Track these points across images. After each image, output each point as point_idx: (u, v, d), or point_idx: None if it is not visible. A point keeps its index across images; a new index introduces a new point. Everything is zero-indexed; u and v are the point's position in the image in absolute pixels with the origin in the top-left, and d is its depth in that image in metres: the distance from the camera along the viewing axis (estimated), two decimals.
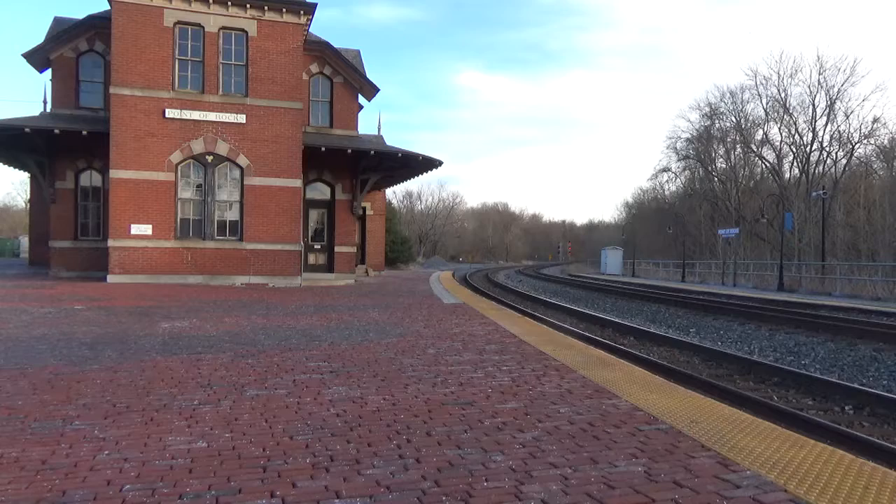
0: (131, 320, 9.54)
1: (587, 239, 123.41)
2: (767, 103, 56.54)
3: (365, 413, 4.39)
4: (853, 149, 51.74)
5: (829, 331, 13.47)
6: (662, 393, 5.17)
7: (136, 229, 18.10)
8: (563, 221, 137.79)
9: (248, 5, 18.91)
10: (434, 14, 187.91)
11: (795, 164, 55.57)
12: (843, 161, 52.19)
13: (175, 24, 18.53)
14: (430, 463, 3.36)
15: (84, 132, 18.21)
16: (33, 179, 23.32)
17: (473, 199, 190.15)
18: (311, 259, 22.94)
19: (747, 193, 58.12)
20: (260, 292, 16.20)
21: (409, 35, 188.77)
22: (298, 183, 19.91)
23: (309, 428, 3.99)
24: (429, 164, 22.42)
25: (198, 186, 19.08)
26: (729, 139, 61.67)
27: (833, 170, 52.27)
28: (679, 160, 67.46)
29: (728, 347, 11.77)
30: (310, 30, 20.79)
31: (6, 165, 23.79)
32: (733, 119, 60.42)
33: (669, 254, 57.20)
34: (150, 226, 18.27)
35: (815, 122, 53.35)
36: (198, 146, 18.78)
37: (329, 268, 23.07)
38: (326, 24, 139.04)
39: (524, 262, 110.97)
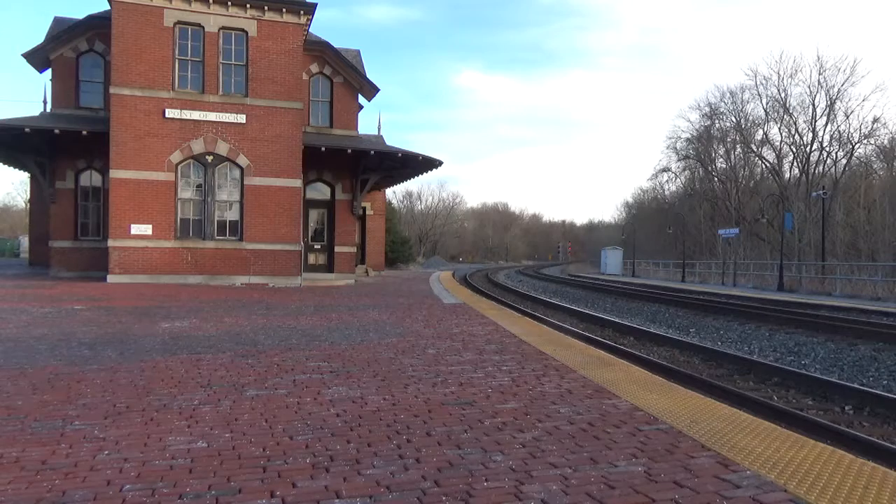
0: (131, 320, 9.54)
1: (587, 239, 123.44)
2: (767, 103, 56.61)
3: (365, 413, 4.39)
4: (853, 149, 51.79)
5: (829, 331, 13.48)
6: (662, 393, 5.17)
7: (136, 229, 18.10)
8: (563, 221, 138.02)
9: (248, 5, 18.91)
10: (434, 14, 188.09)
11: (795, 164, 55.61)
12: (843, 161, 52.24)
13: (175, 23, 18.53)
14: (430, 463, 3.36)
15: (84, 132, 18.22)
16: (33, 179, 23.34)
17: (473, 199, 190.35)
18: (311, 259, 22.95)
19: (747, 193, 58.12)
20: (260, 292, 16.20)
21: (408, 35, 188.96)
22: (298, 183, 19.91)
23: (309, 428, 3.99)
24: (429, 164, 22.42)
25: (198, 186, 19.08)
26: (729, 139, 61.71)
27: (833, 170, 52.28)
28: (679, 160, 67.55)
29: (728, 347, 11.77)
30: (310, 30, 20.79)
31: (6, 165, 23.79)
32: (733, 119, 60.50)
33: (669, 254, 57.17)
34: (150, 226, 18.27)
35: (815, 122, 53.42)
36: (198, 146, 18.78)
37: (329, 268, 23.07)
38: (326, 24, 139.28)
39: (524, 262, 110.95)
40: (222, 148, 18.99)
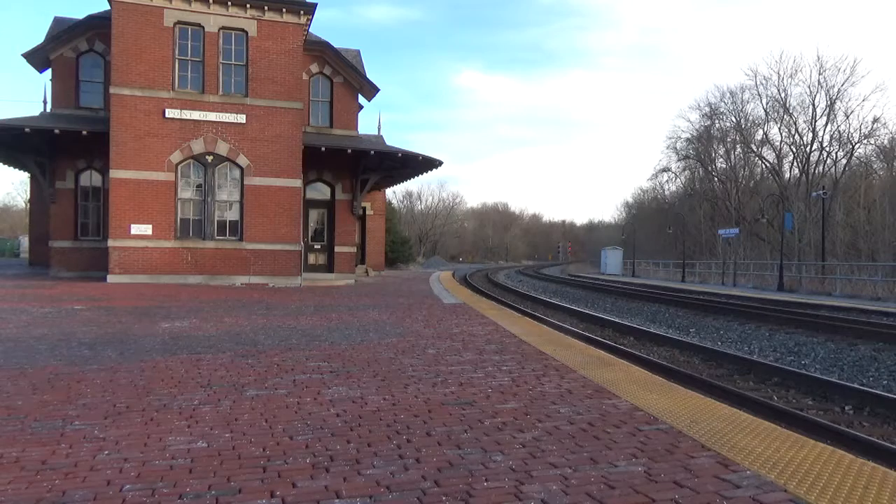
0: (131, 320, 9.54)
1: (587, 239, 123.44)
2: (767, 103, 56.61)
3: (365, 413, 4.39)
4: (853, 149, 51.79)
5: (829, 331, 13.48)
6: (662, 393, 5.17)
7: (136, 229, 18.10)
8: (563, 221, 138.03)
9: (248, 5, 18.91)
10: (434, 14, 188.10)
11: (795, 164, 55.61)
12: (843, 161, 52.24)
13: (175, 23, 18.53)
14: (430, 463, 3.36)
15: (84, 132, 18.22)
16: (33, 179, 23.33)
17: (473, 199, 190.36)
18: (311, 259, 22.95)
19: (747, 193, 58.12)
20: (260, 292, 16.20)
21: (408, 35, 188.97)
22: (298, 183, 19.91)
23: (309, 428, 3.99)
24: (429, 163, 22.42)
25: (198, 186, 19.08)
26: (729, 139, 61.71)
27: (833, 170, 52.28)
28: (679, 160, 67.54)
29: (728, 347, 11.77)
30: (310, 30, 20.79)
31: (6, 165, 23.79)
32: (733, 119, 60.50)
33: (669, 254, 57.17)
34: (150, 226, 18.27)
35: (815, 122, 53.42)
36: (198, 146, 18.78)
37: (329, 268, 23.08)
38: (326, 24, 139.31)
39: (524, 262, 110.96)
40: (222, 148, 18.99)
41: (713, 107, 61.68)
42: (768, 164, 58.30)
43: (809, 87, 54.70)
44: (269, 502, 2.81)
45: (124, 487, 2.94)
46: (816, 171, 52.77)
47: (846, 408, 7.16)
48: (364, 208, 28.06)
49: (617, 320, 15.43)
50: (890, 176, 48.58)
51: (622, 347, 10.98)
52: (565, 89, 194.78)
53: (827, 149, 53.11)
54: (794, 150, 55.28)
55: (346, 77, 23.15)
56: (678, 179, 70.09)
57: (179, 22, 18.58)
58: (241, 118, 19.10)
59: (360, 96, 23.89)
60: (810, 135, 53.69)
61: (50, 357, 6.35)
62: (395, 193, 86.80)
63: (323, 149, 20.24)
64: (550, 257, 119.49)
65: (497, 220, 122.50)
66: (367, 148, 20.98)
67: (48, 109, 20.82)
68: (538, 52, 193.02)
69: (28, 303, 11.83)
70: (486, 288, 28.54)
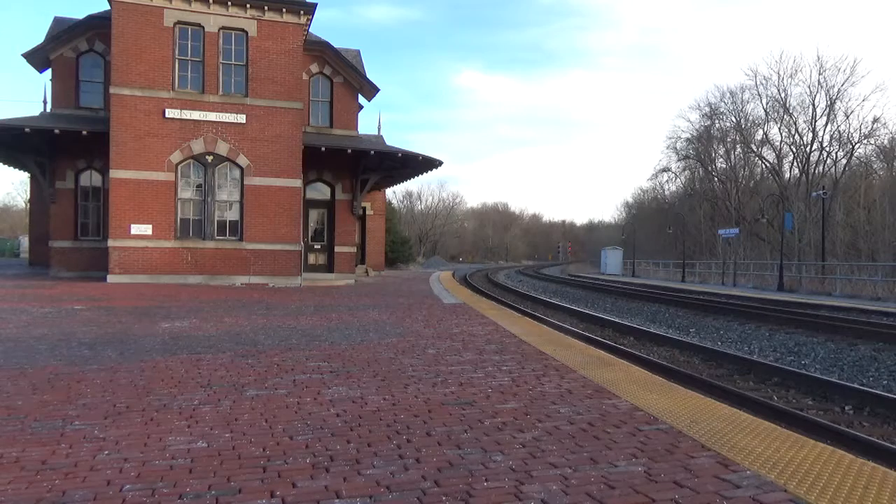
0: (131, 320, 9.54)
1: (587, 239, 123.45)
2: (767, 103, 56.61)
3: (365, 413, 4.39)
4: (853, 149, 51.79)
5: (829, 331, 13.48)
6: (662, 393, 5.17)
7: (136, 229, 18.10)
8: (563, 221, 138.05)
9: (248, 5, 18.91)
10: (434, 14, 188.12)
11: (795, 164, 55.62)
12: (843, 161, 52.24)
13: (175, 23, 18.53)
14: (430, 463, 3.36)
15: (84, 132, 18.22)
16: (33, 179, 23.33)
17: (473, 199, 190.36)
18: (311, 259, 22.95)
19: (747, 193, 58.12)
20: (260, 292, 16.20)
21: (408, 35, 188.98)
22: (298, 183, 19.91)
23: (309, 428, 3.99)
24: (429, 163, 22.42)
25: (198, 186, 19.08)
26: (729, 139, 61.71)
27: (833, 170, 52.28)
28: (679, 160, 67.55)
29: (728, 347, 11.77)
30: (310, 30, 20.79)
31: (6, 165, 23.79)
32: (733, 119, 60.50)
33: (669, 254, 57.17)
34: (150, 226, 18.27)
35: (815, 122, 53.43)
36: (198, 146, 18.78)
37: (329, 268, 23.07)
38: (326, 24, 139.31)
39: (524, 262, 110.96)
40: (222, 148, 18.99)
41: (713, 107, 61.79)
42: (768, 164, 58.33)
43: (809, 87, 54.80)
44: (269, 502, 2.81)
45: (124, 487, 2.94)
46: (816, 171, 52.77)
47: (846, 408, 7.16)
48: (364, 208, 28.07)
49: (617, 320, 15.43)
50: (890, 176, 48.59)
51: (622, 347, 10.98)
52: (565, 89, 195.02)
53: (827, 149, 53.18)
54: (794, 150, 55.34)
55: (346, 77, 23.15)
56: (678, 179, 70.20)
57: (179, 22, 18.58)
58: (241, 118, 19.11)
59: (360, 96, 23.89)
60: (810, 135, 53.76)
61: (50, 357, 6.35)
62: (395, 193, 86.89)
63: (323, 149, 20.24)
64: (550, 257, 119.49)
65: (497, 220, 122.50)
66: (367, 148, 20.98)
67: (48, 109, 20.82)
68: (538, 52, 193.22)
69: (28, 303, 11.83)
70: (486, 288, 28.54)
